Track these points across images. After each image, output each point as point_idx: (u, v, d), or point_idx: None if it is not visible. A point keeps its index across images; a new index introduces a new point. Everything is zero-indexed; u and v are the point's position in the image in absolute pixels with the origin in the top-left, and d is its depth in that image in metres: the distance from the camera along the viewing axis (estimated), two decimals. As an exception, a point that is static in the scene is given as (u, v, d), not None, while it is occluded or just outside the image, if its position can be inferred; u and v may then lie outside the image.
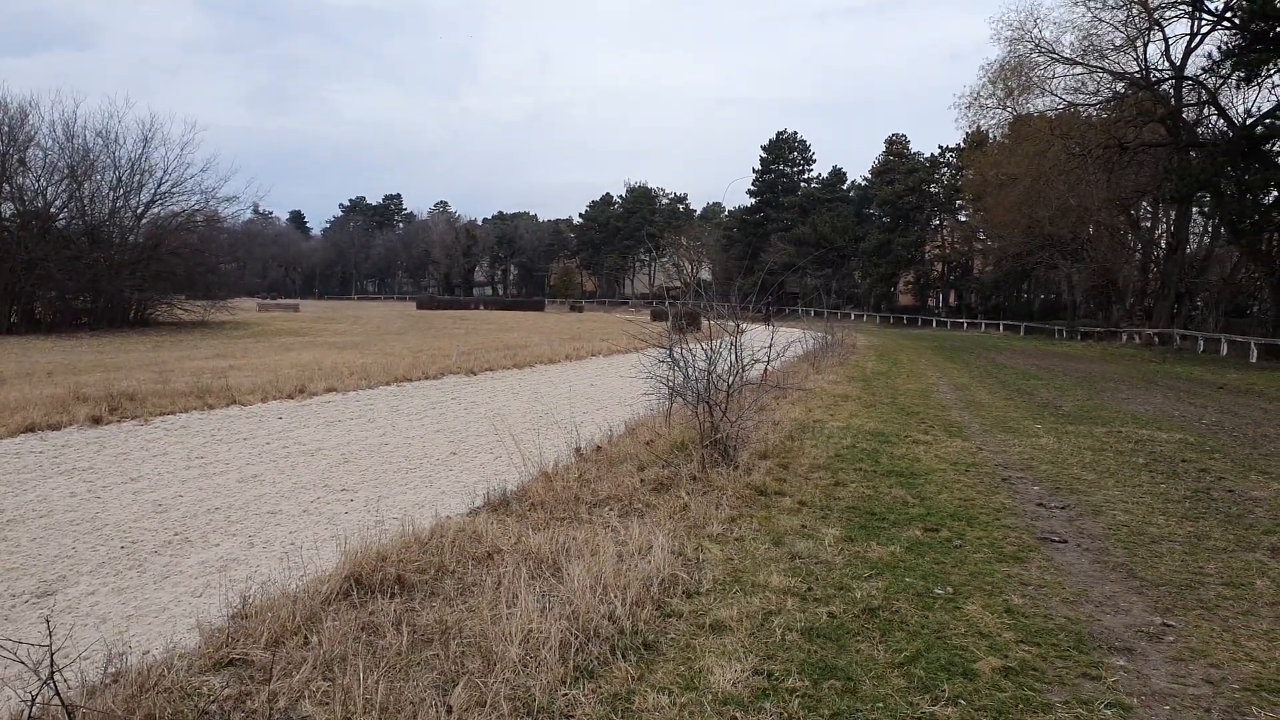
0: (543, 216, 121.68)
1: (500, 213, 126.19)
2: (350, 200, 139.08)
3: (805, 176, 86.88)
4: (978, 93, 39.18)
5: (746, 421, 8.23)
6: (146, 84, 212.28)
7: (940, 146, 72.18)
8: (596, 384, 17.09)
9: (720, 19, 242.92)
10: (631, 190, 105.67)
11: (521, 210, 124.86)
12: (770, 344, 10.09)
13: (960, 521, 5.99)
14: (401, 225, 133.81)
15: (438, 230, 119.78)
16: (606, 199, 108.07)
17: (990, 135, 47.51)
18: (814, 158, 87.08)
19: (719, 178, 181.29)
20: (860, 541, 5.37)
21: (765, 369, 12.48)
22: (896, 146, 77.22)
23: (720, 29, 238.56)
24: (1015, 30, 35.79)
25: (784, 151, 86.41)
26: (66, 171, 38.67)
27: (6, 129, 36.54)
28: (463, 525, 5.50)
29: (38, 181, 38.54)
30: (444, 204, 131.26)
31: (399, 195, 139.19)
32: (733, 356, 8.08)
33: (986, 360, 26.55)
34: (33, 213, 37.68)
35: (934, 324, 65.99)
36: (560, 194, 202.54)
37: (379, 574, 4.50)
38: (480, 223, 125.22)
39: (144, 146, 40.40)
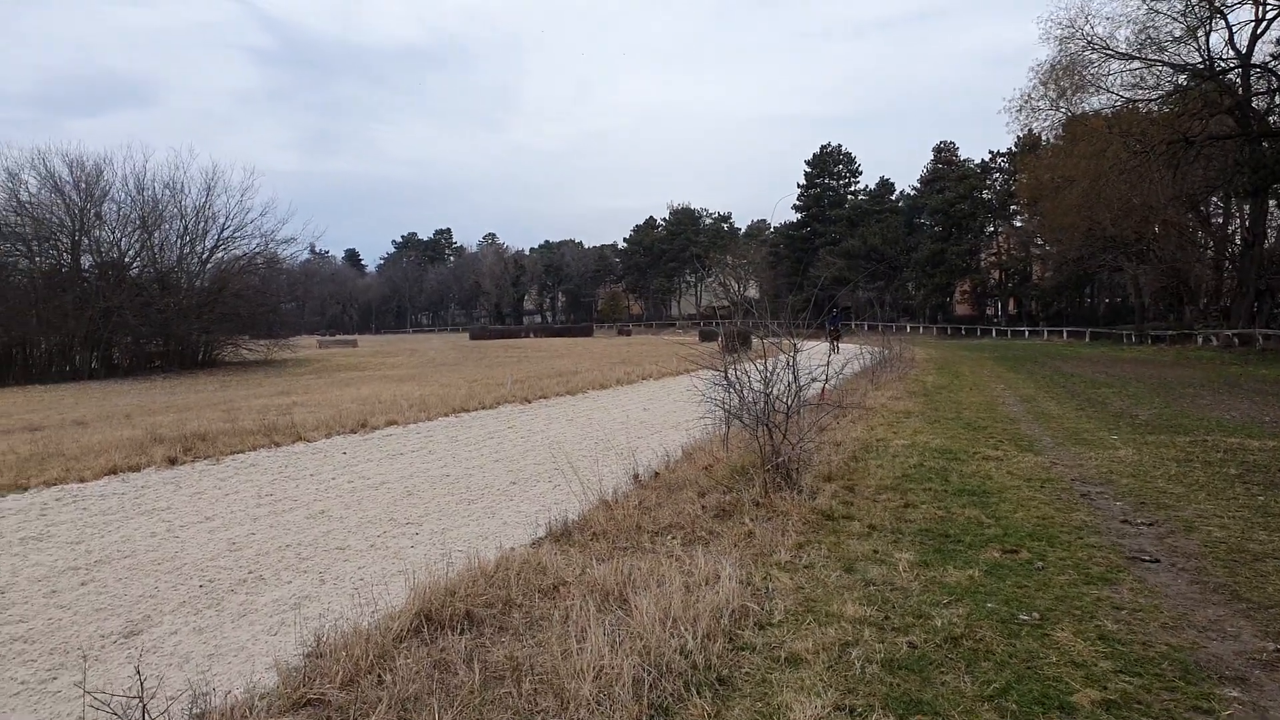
0: (588, 243, 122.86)
1: (546, 241, 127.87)
2: (402, 237, 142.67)
3: (852, 189, 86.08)
4: (1028, 95, 38.47)
5: (808, 443, 8.07)
6: (206, 135, 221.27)
7: (991, 152, 71.10)
8: (650, 408, 17.03)
9: (758, 39, 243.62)
10: (675, 212, 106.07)
11: (567, 238, 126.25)
12: (828, 362, 9.93)
13: (1040, 541, 5.74)
14: (452, 258, 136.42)
15: (487, 262, 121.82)
16: (650, 222, 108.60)
17: (1043, 138, 46.56)
18: (860, 170, 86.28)
19: (763, 195, 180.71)
20: (936, 566, 5.18)
21: (823, 387, 12.29)
22: (945, 154, 76.16)
23: (758, 48, 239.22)
24: (1065, 28, 35.09)
25: (829, 165, 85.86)
26: (138, 223, 40.59)
27: (84, 185, 38.47)
28: (527, 557, 5.47)
29: (113, 233, 40.60)
30: (492, 236, 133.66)
31: (449, 229, 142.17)
32: (790, 376, 7.93)
33: (1052, 369, 25.77)
34: (109, 263, 39.57)
35: (993, 333, 64.55)
36: (605, 220, 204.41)
37: (448, 609, 4.49)
38: (528, 252, 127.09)
39: (207, 195, 42.25)
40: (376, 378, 28.46)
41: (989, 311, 76.60)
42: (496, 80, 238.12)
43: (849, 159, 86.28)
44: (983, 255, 72.95)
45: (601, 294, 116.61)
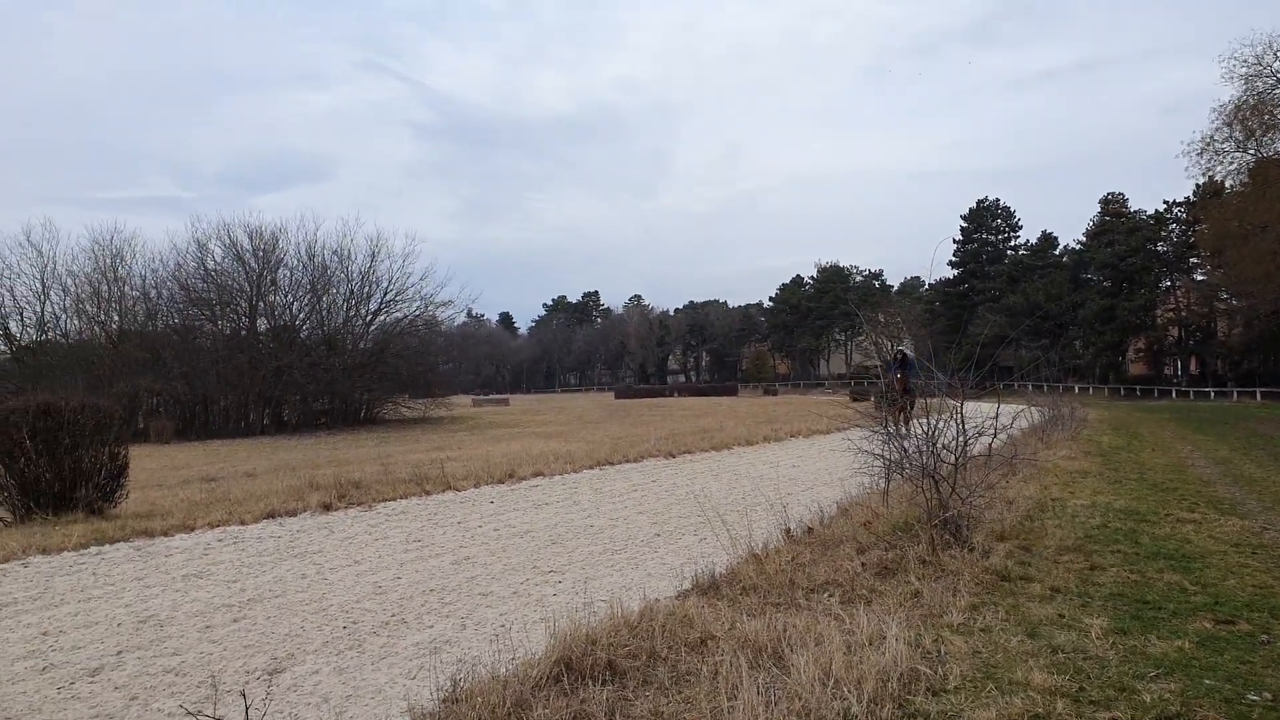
0: (732, 303, 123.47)
1: (691, 302, 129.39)
2: (552, 300, 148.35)
3: (1011, 244, 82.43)
4: (1210, 137, 35.56)
5: (977, 499, 7.40)
6: (374, 206, 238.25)
7: (1166, 201, 66.24)
8: (799, 465, 16.41)
9: (910, 98, 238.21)
10: (822, 270, 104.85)
11: (711, 298, 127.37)
12: (996, 415, 9.20)
13: (1261, 613, 4.92)
14: (599, 320, 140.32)
15: (633, 323, 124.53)
16: (797, 281, 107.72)
17: (1226, 183, 42.83)
18: (1020, 224, 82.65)
19: (916, 252, 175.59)
20: (1135, 634, 4.49)
21: (990, 444, 11.39)
22: (1113, 206, 71.66)
23: (910, 107, 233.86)
24: (1251, 66, 32.39)
25: (986, 220, 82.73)
26: (309, 287, 43.97)
27: (262, 253, 42.23)
28: (672, 609, 5.16)
29: (285, 298, 44.09)
30: (638, 297, 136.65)
31: (596, 292, 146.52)
32: (956, 427, 7.34)
33: (1246, 431, 23.10)
34: (281, 326, 43.01)
35: (1173, 394, 59.17)
36: (750, 279, 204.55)
37: (589, 659, 4.24)
38: (672, 313, 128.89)
39: (371, 260, 45.19)
40: (527, 434, 29.15)
41: (1167, 371, 70.44)
42: (648, 147, 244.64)
43: (1007, 213, 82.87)
44: (1159, 311, 67.51)
45: (746, 354, 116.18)
